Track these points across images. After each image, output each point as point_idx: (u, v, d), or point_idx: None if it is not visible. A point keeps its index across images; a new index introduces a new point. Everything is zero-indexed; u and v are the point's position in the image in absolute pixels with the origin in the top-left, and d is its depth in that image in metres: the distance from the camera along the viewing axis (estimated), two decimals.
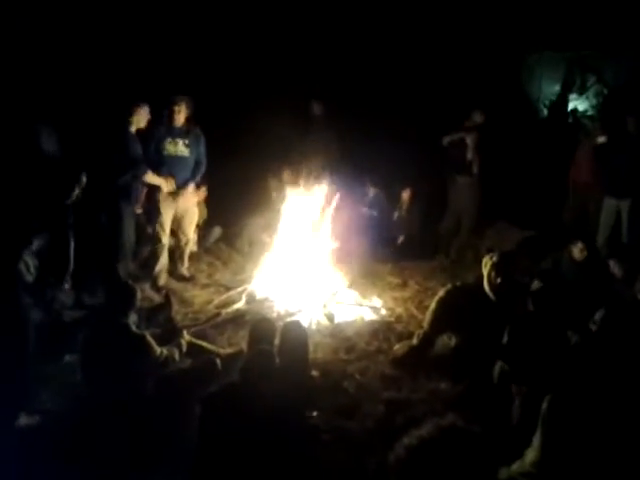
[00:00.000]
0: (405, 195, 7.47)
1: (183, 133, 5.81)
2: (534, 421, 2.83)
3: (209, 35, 8.87)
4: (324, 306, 5.37)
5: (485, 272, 4.60)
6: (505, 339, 3.94)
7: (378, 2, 9.24)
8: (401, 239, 7.32)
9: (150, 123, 5.65)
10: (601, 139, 6.56)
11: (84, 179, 4.98)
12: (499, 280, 4.49)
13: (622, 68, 10.33)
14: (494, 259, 4.56)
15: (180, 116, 5.75)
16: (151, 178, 5.70)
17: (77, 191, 4.96)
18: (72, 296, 4.88)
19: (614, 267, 4.94)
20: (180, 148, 5.80)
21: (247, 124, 7.91)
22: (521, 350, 3.81)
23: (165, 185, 5.74)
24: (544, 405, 2.74)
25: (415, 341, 4.65)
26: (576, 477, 2.60)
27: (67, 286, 4.97)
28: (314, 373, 4.18)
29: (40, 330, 4.36)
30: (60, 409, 3.79)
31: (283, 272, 5.69)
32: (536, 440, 2.76)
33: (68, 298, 4.81)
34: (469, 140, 6.95)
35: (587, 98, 10.63)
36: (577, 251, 5.31)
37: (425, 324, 4.69)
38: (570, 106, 10.48)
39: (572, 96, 10.62)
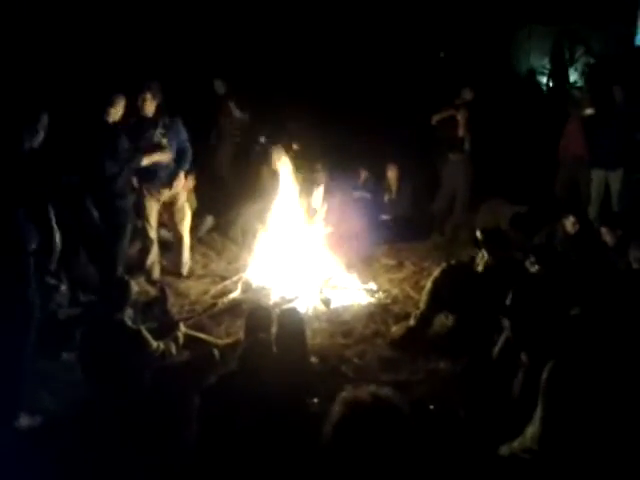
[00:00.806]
0: (391, 174, 7.44)
1: (156, 123, 5.50)
2: (535, 395, 2.83)
3: (196, 25, 8.79)
4: (320, 291, 5.36)
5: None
6: (509, 300, 3.88)
7: None
8: (394, 220, 7.29)
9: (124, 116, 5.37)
10: (589, 111, 6.53)
11: (45, 119, 4.72)
12: (486, 256, 4.48)
13: (610, 39, 10.30)
14: (477, 236, 4.57)
15: (148, 105, 5.42)
16: (149, 159, 5.43)
17: (41, 134, 4.71)
18: (67, 294, 4.85)
19: (606, 235, 4.93)
20: (157, 139, 5.51)
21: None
22: (526, 312, 3.74)
23: (165, 157, 5.53)
24: (544, 375, 2.72)
25: (412, 322, 4.64)
26: (577, 450, 2.60)
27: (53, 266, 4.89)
28: (313, 359, 4.18)
29: (36, 329, 4.37)
30: (59, 407, 3.78)
31: (278, 259, 5.67)
32: (537, 413, 2.76)
33: (63, 297, 4.79)
34: (459, 117, 6.91)
35: (576, 70, 10.60)
36: (569, 224, 5.31)
37: (421, 304, 4.68)
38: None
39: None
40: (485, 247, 4.56)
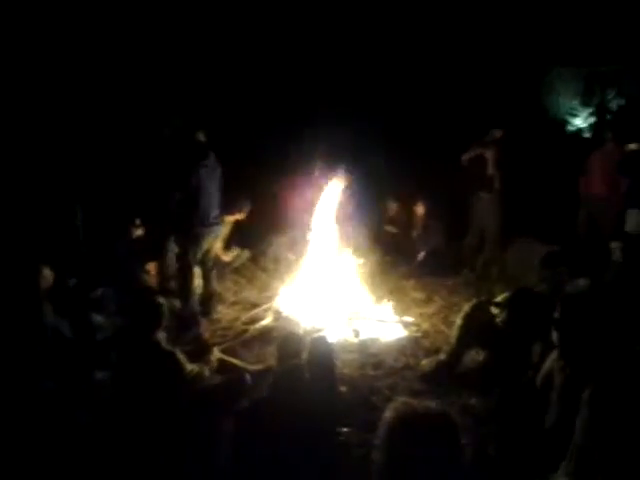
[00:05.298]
0: (419, 210, 7.52)
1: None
2: (569, 431, 2.76)
3: (228, 52, 9.05)
4: (349, 322, 5.38)
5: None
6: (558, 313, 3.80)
7: (399, 19, 9.39)
8: (421, 256, 7.32)
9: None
10: (632, 146, 6.51)
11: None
12: (507, 318, 4.45)
13: None
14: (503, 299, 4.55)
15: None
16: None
17: None
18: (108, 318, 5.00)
19: None
20: None
21: (273, 143, 8.03)
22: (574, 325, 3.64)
23: None
24: (584, 398, 2.63)
25: (443, 356, 4.63)
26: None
27: None
28: (342, 389, 4.19)
29: (72, 348, 4.47)
30: (92, 425, 3.82)
31: (308, 289, 5.73)
32: (572, 450, 2.69)
33: (103, 319, 4.92)
34: (488, 155, 6.97)
35: (607, 111, 10.64)
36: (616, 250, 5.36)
37: (452, 339, 4.67)
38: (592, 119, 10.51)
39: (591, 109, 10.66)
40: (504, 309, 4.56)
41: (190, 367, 3.89)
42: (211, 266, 5.82)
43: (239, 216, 6.83)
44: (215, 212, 5.59)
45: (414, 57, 9.42)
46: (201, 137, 5.56)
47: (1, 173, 6.19)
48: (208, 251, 5.70)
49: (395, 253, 7.32)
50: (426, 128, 8.91)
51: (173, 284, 5.93)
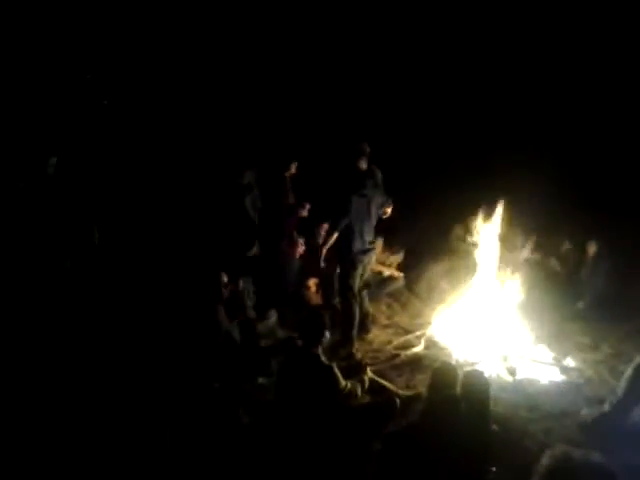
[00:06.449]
0: (591, 249, 7.05)
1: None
2: None
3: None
4: (505, 359, 5.23)
5: None
6: None
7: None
8: (587, 299, 6.85)
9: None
10: None
11: None
12: None
13: None
14: None
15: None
16: None
17: None
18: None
19: None
20: None
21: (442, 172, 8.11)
22: None
23: None
24: None
25: (607, 407, 4.33)
26: None
27: None
28: (494, 427, 4.09)
29: (240, 352, 4.89)
30: (253, 424, 4.14)
31: (464, 321, 5.66)
32: None
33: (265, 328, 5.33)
34: None
35: None
36: None
37: (619, 391, 4.36)
38: None
39: None
40: None
41: (344, 383, 4.06)
42: (363, 287, 5.88)
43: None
44: (370, 237, 5.65)
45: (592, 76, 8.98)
46: (362, 165, 5.66)
47: (183, 188, 6.99)
48: (361, 274, 5.80)
49: (560, 292, 6.92)
50: (607, 163, 8.41)
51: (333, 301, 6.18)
